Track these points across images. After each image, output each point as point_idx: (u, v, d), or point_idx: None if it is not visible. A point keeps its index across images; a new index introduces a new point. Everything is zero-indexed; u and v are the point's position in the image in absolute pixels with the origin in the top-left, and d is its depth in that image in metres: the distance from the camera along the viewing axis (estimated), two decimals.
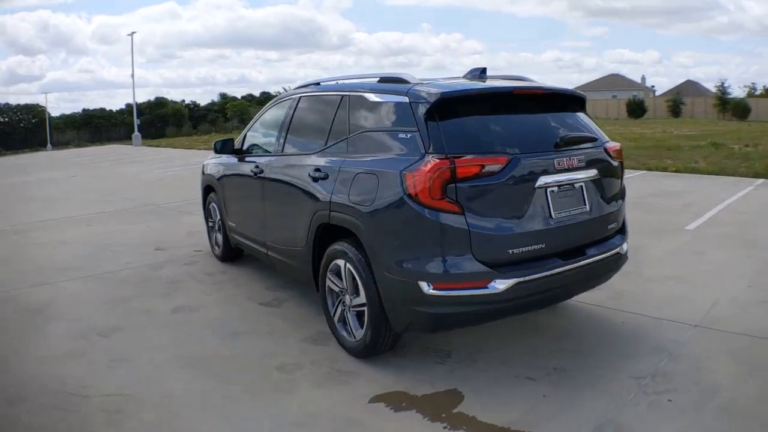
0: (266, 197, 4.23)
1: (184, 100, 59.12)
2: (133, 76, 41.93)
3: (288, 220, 3.89)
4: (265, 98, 67.45)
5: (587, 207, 3.11)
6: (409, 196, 2.73)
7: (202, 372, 3.21)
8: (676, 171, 10.60)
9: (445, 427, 2.59)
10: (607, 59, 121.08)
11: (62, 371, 3.25)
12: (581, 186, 3.09)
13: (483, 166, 2.71)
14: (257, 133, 4.91)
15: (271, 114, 4.69)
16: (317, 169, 3.45)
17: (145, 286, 4.83)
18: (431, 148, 2.74)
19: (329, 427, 2.64)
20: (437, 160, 2.68)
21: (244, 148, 4.95)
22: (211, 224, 5.72)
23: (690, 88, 54.17)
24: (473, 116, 2.92)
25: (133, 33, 35.30)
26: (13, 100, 76.73)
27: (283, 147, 4.14)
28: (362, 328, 3.18)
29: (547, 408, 2.73)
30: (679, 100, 41.83)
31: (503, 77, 3.54)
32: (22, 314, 4.22)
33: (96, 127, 48.05)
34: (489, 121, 2.96)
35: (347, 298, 3.28)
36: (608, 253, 3.21)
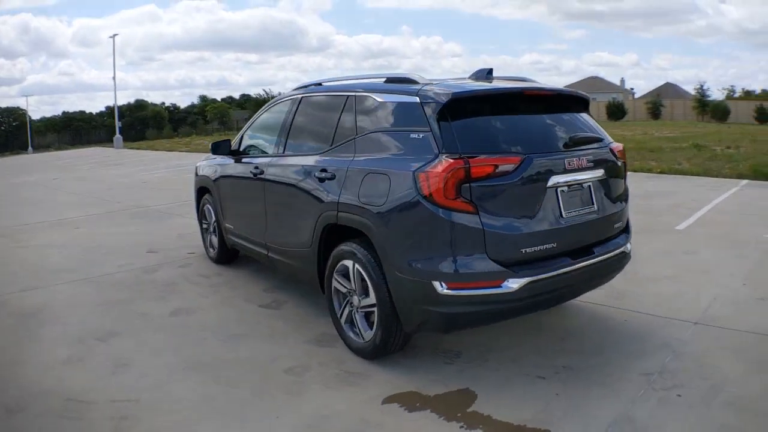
0: (267, 198, 4.18)
1: (164, 103, 58.62)
2: (114, 78, 41.28)
3: (291, 221, 3.86)
4: (245, 100, 67.31)
5: (595, 207, 3.14)
6: (423, 196, 2.73)
7: (207, 376, 3.15)
8: (661, 172, 10.78)
9: (461, 427, 2.58)
10: (586, 62, 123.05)
11: (62, 377, 3.17)
12: (589, 186, 3.12)
13: (497, 166, 2.72)
14: (255, 134, 4.87)
15: (270, 115, 4.64)
16: (323, 170, 3.42)
17: (140, 289, 4.74)
18: (444, 148, 2.74)
19: (345, 429, 2.61)
20: (452, 160, 2.67)
21: (241, 149, 4.90)
22: (205, 226, 5.64)
23: (669, 90, 55.22)
24: (484, 116, 2.93)
25: (115, 35, 34.74)
26: None
27: (285, 148, 4.11)
28: (371, 329, 3.16)
29: (560, 406, 2.75)
30: (658, 102, 42.53)
31: (508, 78, 3.55)
32: (15, 319, 4.10)
33: (76, 130, 47.45)
34: (500, 122, 2.97)
35: (355, 299, 3.26)
36: (614, 252, 3.25)
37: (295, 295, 4.45)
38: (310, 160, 3.66)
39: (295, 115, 4.10)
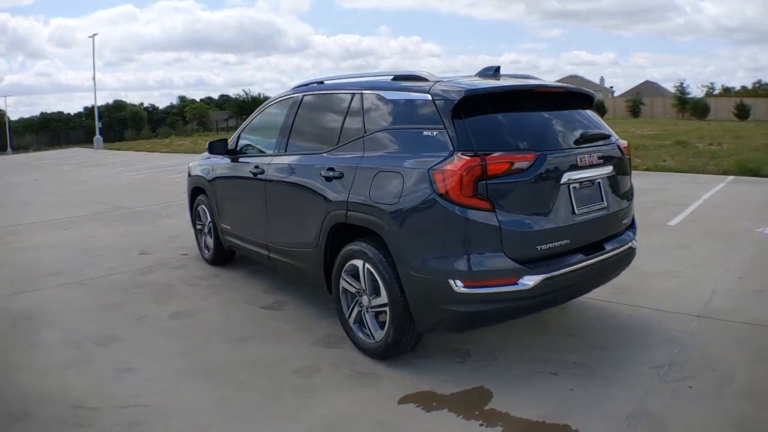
0: (269, 198, 4.12)
1: (142, 103, 58.13)
2: (94, 78, 40.57)
3: (296, 220, 3.80)
4: (224, 101, 66.81)
5: (605, 203, 3.16)
6: (439, 194, 2.70)
7: (216, 379, 3.09)
8: (647, 169, 10.93)
9: (481, 425, 2.57)
10: (564, 61, 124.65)
11: (64, 383, 3.07)
12: (599, 182, 3.14)
13: (512, 163, 2.71)
14: (254, 133, 4.80)
15: (270, 114, 4.58)
16: (330, 169, 3.38)
17: (135, 291, 4.64)
18: (459, 145, 2.72)
19: (365, 431, 2.58)
20: (468, 158, 2.66)
21: (238, 148, 4.83)
22: (199, 227, 5.54)
23: (649, 88, 56.12)
24: (497, 114, 2.92)
25: (94, 35, 33.91)
26: None
27: (287, 147, 4.05)
28: (382, 329, 3.13)
29: (576, 401, 2.75)
30: (638, 100, 43.20)
31: (513, 76, 3.55)
32: (10, 323, 3.98)
33: (54, 131, 46.80)
34: (512, 119, 2.96)
35: (365, 299, 3.22)
36: (623, 248, 3.28)
37: (296, 296, 4.39)
38: (315, 159, 3.61)
39: (296, 113, 4.04)
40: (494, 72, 3.35)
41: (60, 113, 52.81)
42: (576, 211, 2.96)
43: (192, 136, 37.63)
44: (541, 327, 3.64)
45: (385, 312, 3.10)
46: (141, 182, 12.51)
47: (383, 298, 3.06)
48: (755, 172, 9.45)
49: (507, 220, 2.70)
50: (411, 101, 3.04)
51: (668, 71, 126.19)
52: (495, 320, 2.94)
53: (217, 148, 4.87)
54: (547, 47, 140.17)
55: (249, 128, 4.86)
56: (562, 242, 2.87)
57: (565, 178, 2.89)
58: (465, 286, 2.69)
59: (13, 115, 62.50)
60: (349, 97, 3.50)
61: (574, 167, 2.94)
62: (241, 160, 4.70)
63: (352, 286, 3.30)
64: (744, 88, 53.65)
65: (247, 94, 55.70)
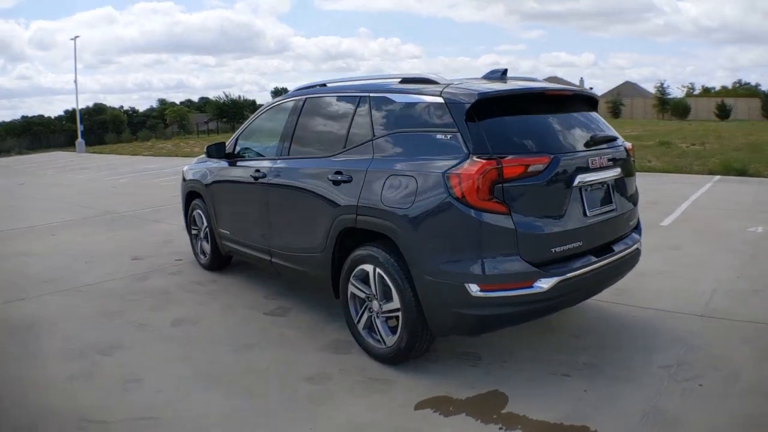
0: (272, 202, 4.07)
1: (122, 106, 57.44)
2: (76, 81, 39.78)
3: (300, 225, 3.76)
4: (204, 103, 66.34)
5: (614, 205, 3.19)
6: (455, 197, 2.70)
7: (227, 388, 3.04)
8: None
9: (500, 428, 2.57)
10: (544, 62, 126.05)
11: (71, 395, 3.00)
12: (608, 184, 3.17)
13: (527, 166, 2.72)
14: (253, 136, 4.74)
15: (270, 117, 4.54)
16: (338, 172, 3.35)
17: (133, 298, 4.56)
18: (474, 148, 2.72)
19: None
20: (484, 161, 2.66)
21: (236, 152, 4.77)
22: (195, 232, 5.46)
23: (629, 89, 56.96)
24: (509, 116, 2.92)
25: (76, 37, 33.05)
26: None
27: (289, 150, 4.01)
28: (394, 334, 3.12)
29: (591, 402, 2.77)
30: (618, 101, 43.83)
31: (519, 78, 3.56)
32: (9, 333, 3.87)
33: (35, 134, 46.12)
34: (524, 122, 2.98)
35: (375, 304, 3.20)
36: (630, 249, 3.32)
37: (297, 301, 4.35)
38: (321, 163, 3.58)
39: (299, 116, 4.00)
40: (502, 74, 3.36)
41: (41, 116, 52.16)
42: (588, 214, 2.98)
43: (173, 139, 37.24)
44: (547, 329, 3.66)
45: (397, 317, 3.09)
46: (126, 186, 12.34)
47: (395, 303, 3.04)
48: (741, 172, 9.65)
49: (523, 223, 2.71)
50: (422, 104, 3.03)
51: (647, 72, 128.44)
52: (510, 323, 2.94)
53: (215, 151, 4.80)
54: (527, 49, 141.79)
55: (247, 131, 4.81)
56: (576, 244, 2.89)
57: (577, 180, 2.91)
58: (481, 290, 2.69)
59: None
60: (356, 99, 3.48)
61: (586, 170, 2.97)
62: (239, 163, 4.65)
63: (362, 291, 3.28)
64: (724, 88, 54.80)
65: (227, 96, 55.50)
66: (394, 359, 3.15)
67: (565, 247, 2.84)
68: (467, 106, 2.80)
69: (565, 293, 2.85)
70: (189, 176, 5.48)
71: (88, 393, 3.02)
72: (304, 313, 4.12)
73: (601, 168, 3.06)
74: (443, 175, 2.75)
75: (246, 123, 4.90)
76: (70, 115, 47.43)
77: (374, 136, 3.25)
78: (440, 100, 2.93)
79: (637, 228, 3.55)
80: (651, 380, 2.96)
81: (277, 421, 2.71)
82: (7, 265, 5.70)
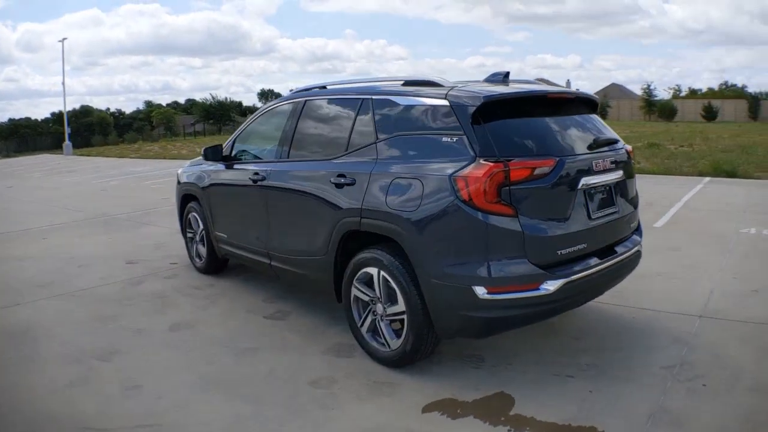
0: (271, 205, 4.04)
1: (108, 108, 57.09)
2: (63, 83, 39.63)
3: (302, 228, 3.74)
4: (191, 105, 66.00)
5: (616, 207, 3.21)
6: (462, 200, 2.69)
7: (231, 394, 3.00)
8: None
9: (509, 430, 2.57)
10: (530, 64, 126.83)
11: (70, 402, 2.94)
12: (611, 187, 3.19)
13: (534, 169, 2.72)
14: (251, 139, 4.70)
15: (268, 119, 4.50)
16: (341, 175, 3.33)
17: (129, 302, 4.50)
18: (481, 151, 2.72)
19: None
20: (491, 163, 2.66)
21: (233, 154, 4.73)
22: (190, 235, 5.40)
23: (615, 90, 57.50)
24: (514, 119, 2.93)
25: (64, 39, 32.58)
26: None
27: (289, 153, 3.98)
28: (398, 337, 3.10)
29: (596, 402, 2.79)
30: (605, 102, 44.21)
31: (521, 81, 3.57)
32: (4, 338, 3.79)
33: (22, 137, 45.72)
34: (529, 124, 2.98)
35: (379, 307, 3.19)
36: (632, 251, 3.34)
37: (297, 304, 4.32)
38: (322, 165, 3.56)
39: (299, 119, 3.97)
40: (504, 77, 3.36)
41: (28, 119, 51.88)
42: (592, 216, 3.00)
43: (159, 141, 36.99)
44: (548, 331, 3.67)
45: (401, 320, 3.08)
46: (115, 189, 12.21)
47: (400, 305, 3.03)
48: (731, 173, 9.77)
49: (529, 226, 2.72)
50: (427, 107, 3.03)
51: (634, 74, 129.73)
52: (516, 325, 2.95)
53: (212, 154, 4.76)
54: (513, 51, 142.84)
55: (245, 134, 4.76)
56: (580, 247, 2.91)
57: (582, 182, 2.92)
58: (488, 293, 2.69)
59: None
60: (358, 102, 3.46)
61: (590, 172, 2.98)
62: (237, 166, 4.60)
63: (366, 294, 3.26)
64: (711, 89, 55.44)
65: (213, 98, 55.29)
66: (398, 362, 3.14)
67: (571, 250, 2.85)
68: (473, 109, 2.80)
69: (570, 295, 2.86)
70: (184, 179, 5.42)
71: (87, 399, 2.97)
72: (304, 317, 4.09)
73: (605, 170, 3.08)
74: (450, 177, 2.74)
75: (243, 125, 4.86)
76: (56, 117, 47.15)
77: (377, 138, 3.23)
78: (445, 102, 2.92)
79: (638, 230, 3.57)
80: (654, 380, 2.98)
81: (286, 427, 2.68)
82: (2, 268, 5.60)
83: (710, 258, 5.17)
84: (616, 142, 3.34)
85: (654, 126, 29.32)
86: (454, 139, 2.82)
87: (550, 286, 2.73)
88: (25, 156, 30.71)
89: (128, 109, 62.78)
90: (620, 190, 3.28)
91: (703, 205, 7.70)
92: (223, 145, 4.83)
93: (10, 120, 51.94)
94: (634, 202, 3.47)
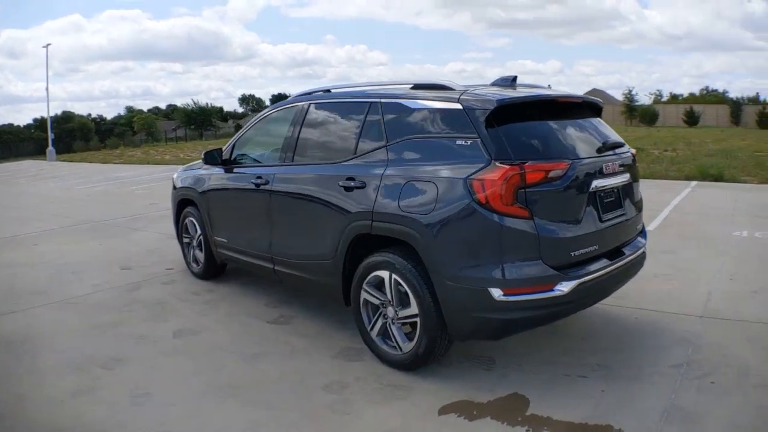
0: (275, 209, 4.01)
1: (90, 114, 56.47)
2: (47, 89, 38.94)
3: (308, 232, 3.71)
4: (172, 110, 65.38)
5: (624, 209, 3.26)
6: (478, 202, 2.71)
7: (242, 400, 2.96)
8: None
9: (528, 430, 2.58)
10: (510, 70, 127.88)
11: (78, 412, 2.87)
12: (619, 189, 3.23)
13: (548, 171, 2.75)
14: (252, 143, 4.67)
15: (270, 123, 4.48)
16: (350, 178, 3.33)
17: (127, 309, 4.42)
18: (496, 154, 2.74)
19: None
20: (507, 166, 2.68)
21: (233, 158, 4.70)
22: (187, 240, 5.33)
23: (596, 96, 57.83)
24: (526, 123, 2.96)
25: (48, 45, 32.39)
26: None
27: (293, 157, 3.96)
28: (410, 340, 3.10)
29: (610, 401, 2.82)
30: None
31: (527, 85, 3.60)
32: (3, 348, 3.70)
33: (5, 143, 45.02)
34: (541, 128, 3.01)
35: (390, 310, 3.18)
36: (638, 252, 3.39)
37: (299, 309, 4.29)
38: (330, 169, 3.55)
39: (303, 123, 3.96)
40: (512, 82, 3.39)
41: (11, 125, 51.26)
42: (602, 218, 3.03)
43: (142, 146, 36.64)
44: (553, 332, 3.69)
45: (412, 323, 3.08)
46: (101, 194, 12.04)
47: (413, 308, 3.03)
48: (717, 177, 9.96)
49: (544, 228, 2.74)
50: (439, 110, 3.04)
51: (614, 79, 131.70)
52: (530, 326, 2.96)
53: (212, 158, 4.72)
54: (493, 56, 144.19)
55: (245, 138, 4.72)
56: (592, 248, 2.94)
57: (593, 185, 2.96)
58: (504, 294, 2.70)
59: None
60: (366, 105, 3.46)
61: (601, 175, 3.03)
62: (237, 170, 4.57)
63: (376, 297, 3.25)
64: (692, 95, 56.45)
65: (195, 103, 55.00)
66: (410, 365, 3.13)
67: (583, 251, 2.89)
68: (487, 112, 2.82)
69: (582, 296, 2.89)
70: (180, 183, 5.36)
71: (95, 409, 2.90)
72: (308, 321, 4.06)
73: (614, 173, 3.13)
74: (465, 180, 2.76)
75: (242, 130, 4.83)
76: (39, 123, 46.42)
77: (388, 142, 3.23)
78: (458, 106, 2.94)
79: (642, 232, 3.63)
80: (663, 379, 3.03)
81: None
82: None
83: (705, 260, 5.26)
84: (622, 145, 3.39)
85: (636, 131, 29.77)
86: (469, 143, 2.83)
87: (564, 287, 2.75)
88: (8, 162, 30.11)
89: (109, 115, 62.35)
90: (627, 193, 3.33)
91: (693, 208, 7.84)
92: (223, 149, 4.79)
93: None
94: (639, 206, 3.53)
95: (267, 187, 4.05)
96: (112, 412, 2.87)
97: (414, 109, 3.17)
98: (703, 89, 58.97)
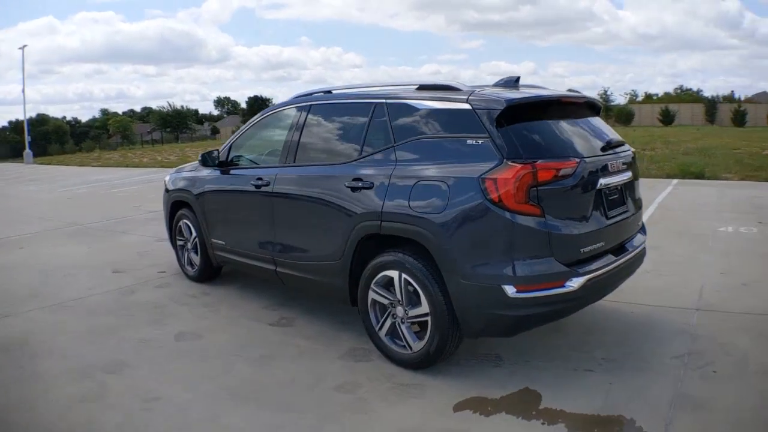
0: (277, 211, 3.99)
1: (65, 117, 55.46)
2: (23, 91, 38.33)
3: (313, 233, 3.71)
4: (147, 113, 64.40)
5: (627, 206, 3.34)
6: (492, 201, 2.75)
7: (258, 403, 2.94)
8: None
9: (543, 423, 2.64)
10: (484, 71, 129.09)
11: (89, 417, 2.83)
12: (623, 187, 3.32)
13: (559, 170, 2.81)
14: (250, 144, 4.64)
15: (269, 124, 4.46)
16: (357, 179, 3.34)
17: (125, 313, 4.36)
18: (508, 153, 2.79)
19: None
20: (520, 165, 2.73)
21: (230, 160, 4.66)
22: (181, 243, 5.27)
23: None
24: (534, 122, 3.02)
25: (24, 46, 31.75)
26: None
27: (295, 158, 3.95)
28: (420, 339, 3.13)
29: (620, 393, 2.89)
30: None
31: (529, 86, 3.65)
32: (2, 353, 3.62)
33: None
34: (548, 127, 3.07)
35: (399, 309, 3.20)
36: (640, 248, 3.49)
37: (300, 311, 4.28)
38: (335, 170, 3.55)
39: (305, 124, 3.95)
40: (515, 82, 3.45)
41: None
42: (608, 215, 3.11)
43: (118, 149, 36.12)
44: (556, 328, 3.74)
45: (422, 322, 3.10)
46: (83, 197, 11.86)
47: (423, 307, 3.06)
48: (698, 175, 10.21)
49: (555, 225, 2.80)
50: (447, 111, 3.08)
51: (588, 80, 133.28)
52: (541, 322, 3.02)
53: (209, 160, 4.68)
54: (467, 58, 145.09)
55: (242, 139, 4.69)
56: (600, 245, 3.02)
57: (600, 183, 3.03)
58: (517, 291, 2.75)
59: None
60: (371, 106, 3.47)
61: (607, 173, 3.10)
62: (235, 172, 4.54)
63: (385, 297, 3.27)
64: (667, 94, 57.36)
65: (170, 105, 54.40)
66: (420, 364, 3.16)
67: (592, 247, 2.96)
68: (497, 112, 2.87)
69: (591, 292, 2.96)
70: (173, 186, 5.30)
71: (107, 414, 2.86)
72: (311, 323, 4.06)
73: (618, 171, 3.21)
74: (478, 179, 2.80)
75: (239, 131, 4.80)
76: (14, 126, 45.40)
77: (395, 142, 3.26)
78: (467, 107, 2.98)
79: (642, 228, 3.72)
80: (668, 369, 3.13)
81: None
82: None
83: (694, 255, 5.40)
84: (624, 144, 3.48)
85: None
86: (479, 142, 2.88)
87: (575, 283, 2.82)
88: None
89: (84, 117, 61.47)
90: (629, 191, 3.42)
91: (677, 205, 8.04)
92: (219, 151, 4.75)
93: None
94: (639, 203, 3.62)
95: (268, 188, 4.04)
96: (125, 416, 2.83)
97: (422, 110, 3.20)
98: (677, 88, 60.18)
